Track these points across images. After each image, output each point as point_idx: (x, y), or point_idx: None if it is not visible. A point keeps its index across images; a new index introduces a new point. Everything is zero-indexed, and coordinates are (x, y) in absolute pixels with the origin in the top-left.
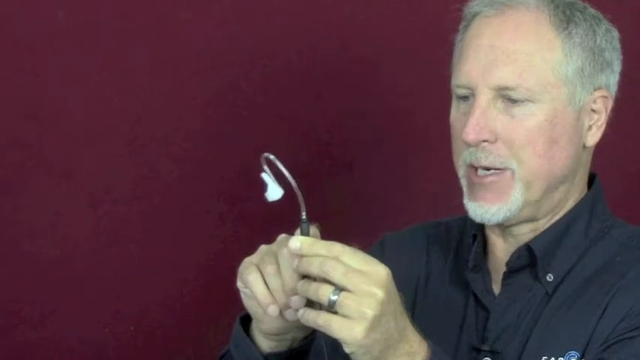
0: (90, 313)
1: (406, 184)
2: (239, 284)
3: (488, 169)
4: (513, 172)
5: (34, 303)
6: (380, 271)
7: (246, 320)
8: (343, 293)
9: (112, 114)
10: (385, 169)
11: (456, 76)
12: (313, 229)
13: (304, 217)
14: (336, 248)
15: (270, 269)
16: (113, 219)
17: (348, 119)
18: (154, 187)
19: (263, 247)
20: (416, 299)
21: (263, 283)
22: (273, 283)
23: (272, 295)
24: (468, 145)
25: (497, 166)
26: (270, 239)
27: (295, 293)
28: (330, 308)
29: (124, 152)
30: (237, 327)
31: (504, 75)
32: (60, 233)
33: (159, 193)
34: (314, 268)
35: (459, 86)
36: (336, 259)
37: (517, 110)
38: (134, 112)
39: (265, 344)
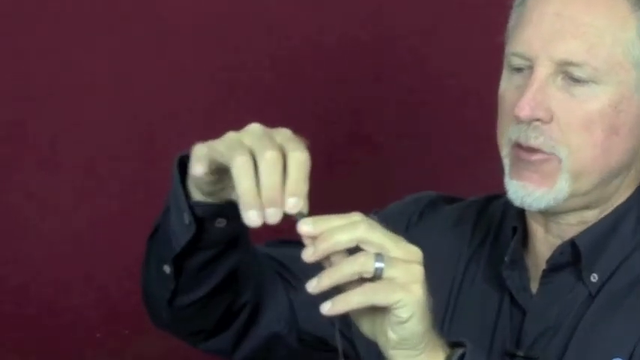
0: (80, 315)
1: (435, 170)
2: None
3: (535, 151)
4: (560, 161)
5: (19, 304)
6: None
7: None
8: (387, 256)
9: (106, 101)
10: (414, 156)
11: (512, 44)
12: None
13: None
14: (355, 214)
15: (270, 155)
16: (106, 214)
17: (373, 102)
18: (150, 180)
19: (255, 127)
20: (450, 296)
21: (253, 173)
22: (270, 177)
23: (258, 195)
24: (520, 121)
25: (546, 150)
26: (278, 234)
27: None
28: (378, 277)
29: (118, 142)
30: (175, 164)
31: (570, 48)
32: (46, 229)
33: (156, 185)
34: (345, 236)
35: (515, 55)
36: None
37: (578, 90)
38: (130, 98)
39: (196, 193)
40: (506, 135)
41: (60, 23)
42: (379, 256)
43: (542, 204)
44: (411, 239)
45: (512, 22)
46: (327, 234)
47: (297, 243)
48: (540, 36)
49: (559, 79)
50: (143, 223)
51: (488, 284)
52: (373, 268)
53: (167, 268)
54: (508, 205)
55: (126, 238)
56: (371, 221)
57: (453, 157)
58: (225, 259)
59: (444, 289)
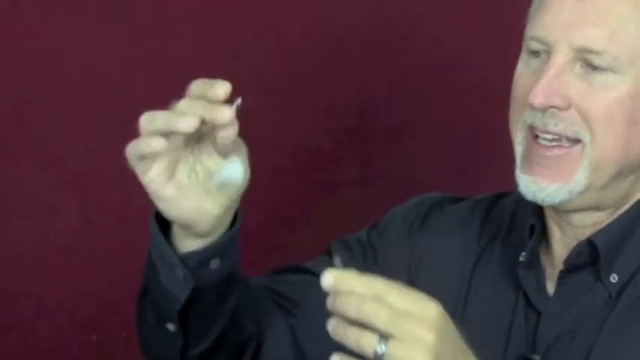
0: (75, 317)
1: (446, 164)
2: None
3: (555, 138)
4: (583, 148)
5: (12, 304)
6: (430, 310)
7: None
8: (391, 342)
9: (102, 91)
10: (420, 154)
11: (532, 27)
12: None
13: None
14: (378, 286)
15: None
16: (102, 209)
17: (378, 94)
18: None
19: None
20: (459, 296)
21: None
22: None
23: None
24: (533, 108)
25: (569, 135)
26: (278, 235)
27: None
28: None
29: (115, 133)
30: (151, 222)
31: (591, 35)
32: (42, 225)
33: None
34: (352, 311)
35: (534, 39)
36: (378, 299)
37: (596, 79)
38: (127, 88)
39: (181, 242)
40: (521, 119)
41: (60, 18)
42: (382, 339)
43: (555, 199)
44: (415, 243)
45: (534, 5)
46: (339, 303)
47: (290, 270)
48: (560, 21)
49: (577, 67)
50: (141, 223)
51: (502, 284)
52: (373, 352)
53: (171, 326)
54: (520, 202)
55: (124, 238)
56: (385, 298)
57: (465, 150)
58: (229, 297)
59: (452, 289)
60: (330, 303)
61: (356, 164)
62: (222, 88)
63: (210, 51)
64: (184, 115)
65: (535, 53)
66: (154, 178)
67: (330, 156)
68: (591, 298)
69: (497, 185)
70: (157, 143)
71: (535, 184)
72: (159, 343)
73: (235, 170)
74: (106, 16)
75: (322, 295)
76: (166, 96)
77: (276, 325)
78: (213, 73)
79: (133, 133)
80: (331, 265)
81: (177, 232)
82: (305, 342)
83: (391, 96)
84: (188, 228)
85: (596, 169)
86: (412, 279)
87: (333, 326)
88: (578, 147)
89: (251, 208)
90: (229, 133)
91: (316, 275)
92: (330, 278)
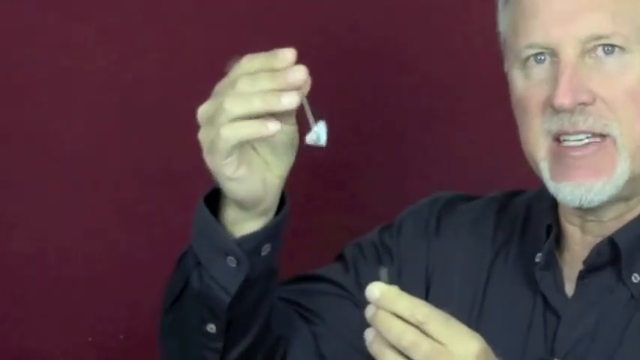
0: (70, 319)
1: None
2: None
3: (586, 137)
4: (615, 140)
5: (4, 307)
6: (471, 347)
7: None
8: None
9: (100, 85)
10: (423, 154)
11: (523, 37)
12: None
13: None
14: (422, 312)
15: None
16: (99, 208)
17: (379, 94)
18: (148, 172)
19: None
20: (474, 300)
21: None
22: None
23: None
24: (563, 109)
25: (598, 130)
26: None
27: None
28: None
29: (114, 129)
30: (200, 210)
31: (595, 21)
32: (36, 225)
33: (154, 179)
34: (392, 338)
35: (530, 46)
36: (419, 327)
37: (610, 65)
38: (125, 82)
39: (236, 226)
40: (541, 131)
41: (60, 17)
42: None
43: (604, 196)
44: (431, 243)
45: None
46: (380, 323)
47: (305, 278)
48: (556, 19)
49: (587, 59)
50: (137, 223)
51: (519, 285)
52: None
53: (212, 327)
54: (533, 201)
55: (120, 238)
56: (427, 326)
57: (468, 149)
58: (269, 292)
59: (468, 290)
60: (369, 313)
61: (357, 165)
62: (289, 53)
63: (210, 51)
64: (282, 94)
65: (538, 60)
66: (234, 160)
67: (331, 156)
68: (612, 299)
69: (500, 185)
70: (275, 125)
71: (579, 187)
72: (194, 352)
73: (323, 131)
74: (106, 15)
75: (342, 304)
76: (166, 96)
77: (300, 331)
78: (213, 73)
79: (135, 126)
80: (344, 272)
81: (234, 217)
82: (327, 351)
83: (393, 96)
84: (255, 206)
85: (636, 155)
86: (429, 278)
87: (370, 339)
88: (608, 140)
89: None
90: (306, 89)
91: (333, 283)
92: (376, 292)
